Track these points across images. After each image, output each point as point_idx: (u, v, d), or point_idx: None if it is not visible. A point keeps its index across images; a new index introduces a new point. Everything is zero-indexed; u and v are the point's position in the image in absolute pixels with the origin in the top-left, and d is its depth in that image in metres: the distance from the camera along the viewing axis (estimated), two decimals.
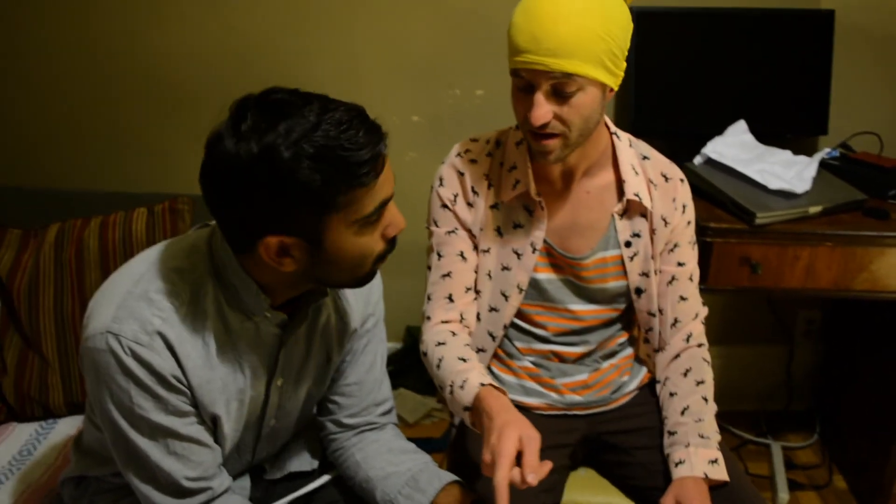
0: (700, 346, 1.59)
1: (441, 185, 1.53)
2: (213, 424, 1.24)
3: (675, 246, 1.54)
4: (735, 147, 2.12)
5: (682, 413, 1.51)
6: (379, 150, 1.06)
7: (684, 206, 1.53)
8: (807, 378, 2.76)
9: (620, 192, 1.49)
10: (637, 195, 1.48)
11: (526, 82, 1.31)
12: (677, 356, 1.59)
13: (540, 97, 1.30)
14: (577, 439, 1.62)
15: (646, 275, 1.54)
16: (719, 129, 2.17)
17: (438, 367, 1.44)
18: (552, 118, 1.32)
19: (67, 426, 1.83)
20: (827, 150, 2.23)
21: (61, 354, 1.84)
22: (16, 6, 2.22)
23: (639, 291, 1.56)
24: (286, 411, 1.37)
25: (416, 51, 2.31)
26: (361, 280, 1.19)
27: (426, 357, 1.51)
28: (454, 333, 1.51)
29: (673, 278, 1.55)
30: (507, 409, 1.26)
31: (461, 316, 1.54)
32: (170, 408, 1.16)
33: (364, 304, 1.39)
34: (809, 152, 2.19)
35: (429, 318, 1.54)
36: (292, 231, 1.07)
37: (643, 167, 1.51)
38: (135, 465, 1.20)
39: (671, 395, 1.56)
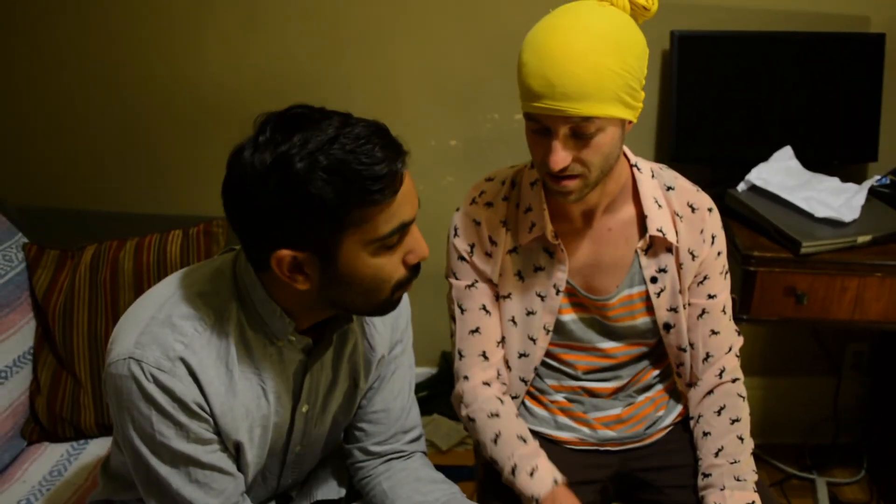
0: (735, 381, 1.52)
1: (456, 235, 1.49)
2: (235, 451, 1.23)
3: (706, 278, 1.48)
4: (780, 174, 2.07)
5: (717, 455, 1.46)
6: (397, 167, 1.03)
7: (713, 237, 1.47)
8: (854, 411, 2.67)
9: (643, 226, 1.43)
10: (660, 230, 1.42)
11: (542, 126, 1.26)
12: (710, 392, 1.52)
13: (558, 143, 1.25)
14: (609, 475, 1.58)
15: (674, 310, 1.48)
16: (765, 156, 2.11)
17: (495, 442, 1.44)
18: (571, 161, 1.27)
19: (98, 447, 1.83)
20: (877, 177, 2.17)
21: (94, 375, 1.84)
22: (54, 29, 2.25)
23: (668, 327, 1.50)
24: (312, 438, 1.35)
25: (454, 75, 2.30)
26: (381, 307, 1.16)
27: (473, 423, 1.48)
28: (502, 402, 1.49)
29: (703, 311, 1.49)
30: None
31: (498, 372, 1.51)
32: (191, 435, 1.15)
33: (392, 330, 1.37)
34: (858, 179, 2.13)
35: (466, 377, 1.50)
36: (305, 246, 1.05)
37: (667, 199, 1.45)
38: (156, 492, 1.18)
39: (705, 434, 1.50)
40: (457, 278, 1.49)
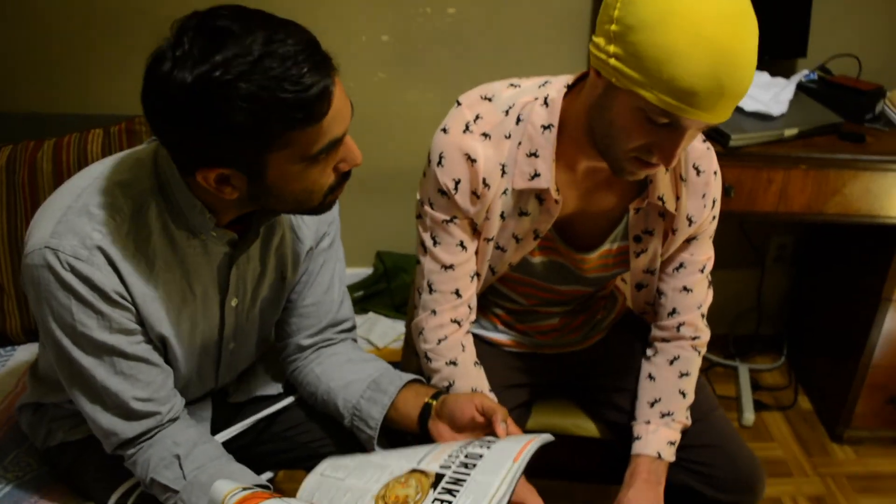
0: (695, 338, 1.47)
1: (441, 164, 1.30)
2: (162, 345, 1.21)
3: (694, 239, 1.41)
4: None
5: (652, 405, 1.45)
6: (326, 87, 0.98)
7: (714, 201, 1.38)
8: (777, 303, 2.78)
9: (642, 185, 1.34)
10: (661, 198, 1.32)
11: (671, 121, 1.09)
12: (667, 340, 1.49)
13: (685, 142, 1.12)
14: (546, 380, 1.60)
15: (650, 272, 1.44)
16: None
17: (447, 389, 1.40)
18: None
19: (25, 353, 1.79)
20: (805, 72, 2.19)
21: (16, 280, 1.80)
22: None
23: (639, 286, 1.47)
24: (244, 333, 1.34)
25: None
26: (313, 210, 1.14)
27: (429, 362, 1.42)
28: (464, 348, 1.42)
29: (681, 265, 1.43)
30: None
31: (469, 308, 1.43)
32: (114, 325, 1.13)
33: (318, 221, 1.34)
34: (787, 74, 2.16)
35: (434, 312, 1.41)
36: (230, 164, 1.02)
37: None
38: (80, 386, 1.17)
39: (650, 377, 1.48)
40: (433, 209, 1.34)
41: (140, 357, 1.17)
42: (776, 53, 2.28)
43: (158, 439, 1.21)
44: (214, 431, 1.38)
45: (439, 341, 1.41)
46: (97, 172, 1.14)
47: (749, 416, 2.47)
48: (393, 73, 2.33)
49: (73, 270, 1.08)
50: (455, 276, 1.38)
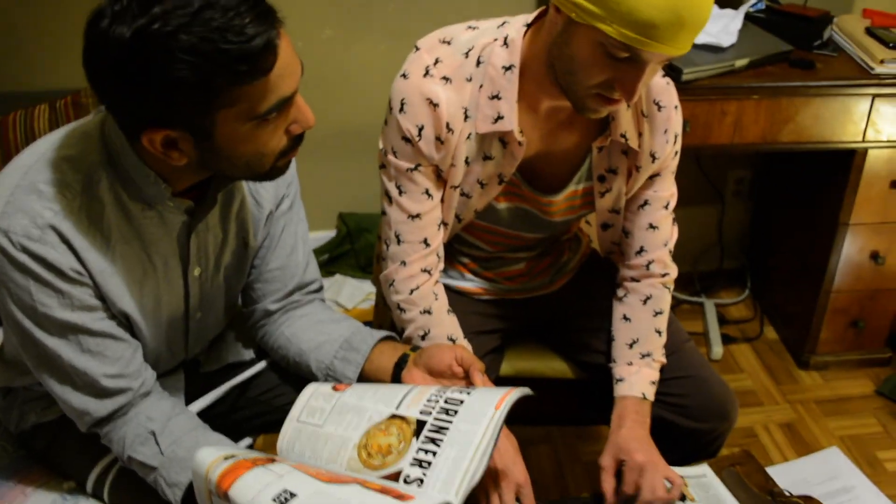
0: (664, 275, 1.47)
1: (402, 111, 1.27)
2: (126, 320, 1.19)
3: (657, 175, 1.40)
4: None
5: (630, 346, 1.46)
6: (269, 39, 0.95)
7: (676, 136, 1.37)
8: (738, 237, 2.82)
9: (604, 123, 1.33)
10: (624, 136, 1.32)
11: (631, 55, 1.09)
12: (637, 280, 1.48)
13: (646, 76, 1.12)
14: (514, 325, 1.61)
15: (616, 212, 1.43)
16: None
17: (423, 339, 1.39)
18: None
19: None
20: (752, 1, 2.19)
21: None
22: None
23: (605, 226, 1.47)
24: (210, 302, 1.32)
25: None
26: (265, 175, 1.11)
27: (402, 312, 1.41)
28: (436, 296, 1.41)
29: (646, 202, 1.42)
30: None
31: (437, 256, 1.42)
32: (75, 302, 1.10)
33: (276, 184, 1.31)
34: (735, 5, 2.16)
35: (404, 263, 1.39)
36: (176, 124, 0.99)
37: None
38: (48, 368, 1.15)
39: (625, 318, 1.48)
40: (396, 158, 1.32)
41: (106, 333, 1.15)
42: None
43: (132, 416, 1.20)
44: (189, 401, 1.37)
45: (411, 291, 1.40)
46: (43, 148, 1.11)
47: (717, 349, 2.51)
48: (340, 28, 2.30)
49: (27, 251, 1.05)
50: (422, 225, 1.37)
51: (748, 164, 2.68)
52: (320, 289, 1.46)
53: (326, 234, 2.55)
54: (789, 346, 2.56)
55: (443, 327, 1.40)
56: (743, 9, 2.08)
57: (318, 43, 2.28)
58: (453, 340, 1.40)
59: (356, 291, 2.40)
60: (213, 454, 1.01)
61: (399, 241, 1.38)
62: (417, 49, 1.30)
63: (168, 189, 1.11)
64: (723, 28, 1.99)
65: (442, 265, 1.44)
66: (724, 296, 2.78)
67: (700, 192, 2.68)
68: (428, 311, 1.40)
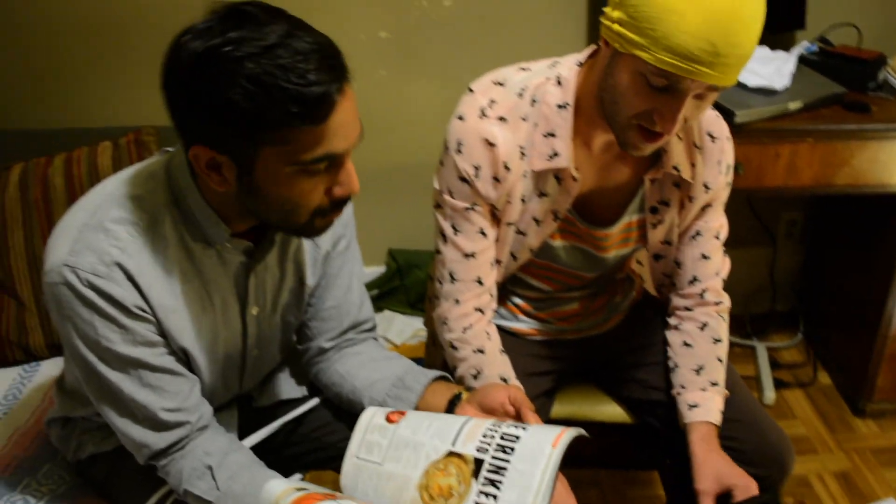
0: (717, 303, 1.48)
1: (460, 151, 1.30)
2: (184, 356, 1.22)
3: (708, 206, 1.42)
4: None
5: (698, 372, 1.45)
6: (330, 92, 0.97)
7: (728, 167, 1.40)
8: (790, 279, 2.78)
9: (657, 155, 1.33)
10: (676, 168, 1.33)
11: (669, 83, 1.11)
12: (690, 309, 1.49)
13: (684, 107, 1.13)
14: (569, 365, 1.60)
15: (667, 243, 1.45)
16: None
17: (475, 378, 1.39)
18: None
19: (50, 368, 1.81)
20: (805, 43, 2.19)
21: (37, 296, 1.81)
22: None
23: (657, 257, 1.48)
24: (267, 340, 1.35)
25: None
26: (299, 230, 1.13)
27: (455, 350, 1.42)
28: (489, 336, 1.43)
29: (697, 233, 1.44)
30: None
31: (491, 296, 1.44)
32: (137, 338, 1.13)
33: (334, 225, 1.34)
34: (787, 47, 2.16)
35: (457, 301, 1.41)
36: (223, 148, 1.01)
37: (687, 129, 1.34)
38: (109, 400, 1.18)
39: (686, 344, 1.48)
40: (453, 197, 1.34)
41: (165, 368, 1.18)
42: (775, 27, 2.25)
43: (190, 449, 1.22)
44: (241, 436, 1.38)
45: (464, 330, 1.41)
46: (111, 188, 1.15)
47: (770, 394, 2.46)
48: (394, 69, 2.34)
49: (93, 287, 1.08)
50: (477, 264, 1.39)
51: (801, 206, 2.65)
52: (374, 327, 1.48)
53: (376, 270, 2.57)
54: (844, 393, 2.50)
55: (495, 367, 1.40)
56: (796, 51, 2.07)
57: (372, 82, 2.33)
58: (505, 380, 1.40)
59: (405, 328, 2.41)
60: (283, 485, 1.03)
61: (453, 280, 1.40)
62: (472, 91, 1.32)
63: (227, 230, 1.14)
64: (776, 71, 1.99)
65: (495, 304, 1.45)
66: (777, 339, 2.74)
67: (752, 233, 2.65)
68: (481, 351, 1.41)
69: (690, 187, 1.37)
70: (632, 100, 1.16)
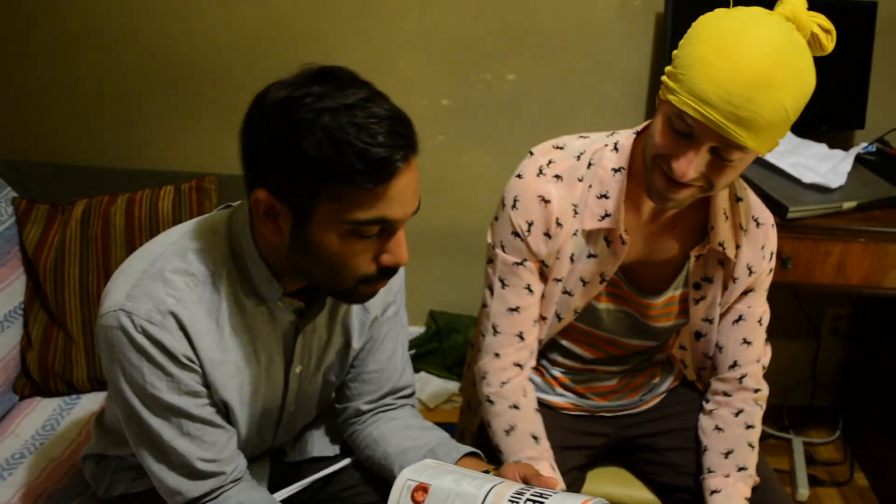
0: (756, 391, 1.48)
1: (515, 207, 1.35)
2: (224, 408, 1.24)
3: (752, 291, 1.44)
4: None
5: (726, 456, 1.44)
6: (395, 158, 1.00)
7: (772, 254, 1.43)
8: (832, 375, 2.73)
9: (703, 232, 1.38)
10: (721, 244, 1.36)
11: (688, 128, 1.15)
12: (728, 395, 1.49)
13: (697, 155, 1.16)
14: (602, 442, 1.60)
15: (709, 321, 1.46)
16: None
17: (507, 433, 1.41)
18: (698, 175, 1.19)
19: (90, 402, 1.84)
20: (863, 144, 2.19)
21: (86, 331, 1.85)
22: None
23: (698, 336, 1.49)
24: (306, 397, 1.36)
25: (447, 34, 2.28)
26: (343, 294, 1.14)
27: (491, 405, 1.44)
28: (525, 393, 1.45)
29: (740, 318, 1.45)
30: None
31: (531, 353, 1.46)
32: (182, 387, 1.15)
33: (385, 291, 1.36)
34: (845, 146, 2.16)
35: (497, 354, 1.44)
36: (282, 196, 1.04)
37: (734, 209, 1.38)
38: (147, 445, 1.20)
39: (718, 429, 1.48)
40: (504, 251, 1.39)
41: (206, 419, 1.20)
42: (834, 125, 2.28)
43: (222, 500, 1.23)
44: (271, 490, 1.39)
45: (502, 384, 1.43)
46: (173, 238, 1.18)
47: (803, 491, 2.41)
48: (451, 136, 2.38)
49: (146, 334, 1.11)
50: (520, 319, 1.42)
51: (848, 302, 2.62)
52: (413, 394, 1.48)
53: (416, 330, 2.58)
54: (881, 496, 2.43)
55: (528, 424, 1.42)
56: (854, 151, 2.07)
57: (429, 146, 2.36)
58: (536, 439, 1.41)
59: (440, 391, 2.41)
60: None
61: (495, 333, 1.43)
62: (532, 154, 1.39)
63: (280, 289, 1.17)
64: (832, 169, 1.99)
65: (534, 362, 1.47)
66: (814, 435, 2.68)
67: (796, 325, 2.61)
68: (515, 407, 1.43)
69: (734, 268, 1.39)
70: (656, 140, 1.20)
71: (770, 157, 2.01)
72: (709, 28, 1.14)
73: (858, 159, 2.10)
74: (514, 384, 1.44)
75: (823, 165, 2.00)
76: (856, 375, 2.66)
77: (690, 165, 1.16)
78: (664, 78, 1.18)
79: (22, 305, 1.88)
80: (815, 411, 2.72)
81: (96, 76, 2.30)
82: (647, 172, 1.25)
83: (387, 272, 1.12)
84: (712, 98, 1.10)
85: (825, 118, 2.26)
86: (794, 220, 1.91)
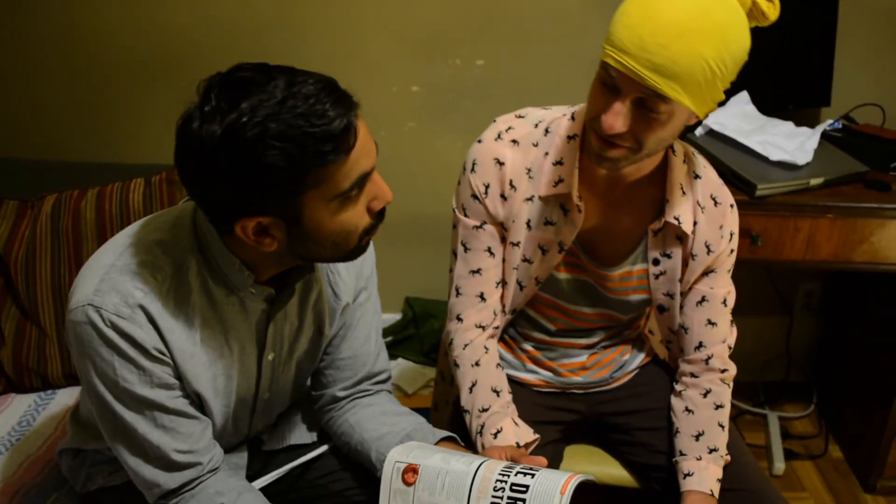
0: (723, 371, 1.50)
1: (473, 170, 1.40)
2: (198, 399, 1.24)
3: (712, 271, 1.46)
4: (737, 118, 2.10)
5: (697, 438, 1.46)
6: (349, 121, 1.01)
7: (731, 234, 1.45)
8: (806, 350, 2.76)
9: (661, 208, 1.40)
10: (677, 218, 1.39)
11: (612, 82, 1.18)
12: (696, 375, 1.51)
13: (622, 106, 1.19)
14: (575, 419, 1.62)
15: (670, 296, 1.47)
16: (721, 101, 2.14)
17: (470, 390, 1.45)
18: (626, 130, 1.21)
19: (66, 397, 1.83)
20: (829, 121, 2.22)
21: (59, 325, 1.84)
22: None
23: (661, 309, 1.50)
24: (279, 384, 1.37)
25: (416, 20, 2.28)
26: (350, 254, 1.16)
27: (457, 368, 1.48)
28: (487, 349, 1.48)
29: (703, 299, 1.47)
30: None
31: (494, 313, 1.49)
32: (154, 380, 1.15)
33: (356, 277, 1.38)
34: (812, 124, 2.18)
35: (460, 318, 1.48)
36: (267, 211, 1.05)
37: (692, 186, 1.41)
38: (122, 439, 1.20)
39: (687, 410, 1.50)
40: (466, 216, 1.44)
41: (180, 411, 1.20)
42: (800, 102, 2.31)
43: (200, 489, 1.24)
44: (250, 479, 1.39)
45: (465, 346, 1.47)
46: (138, 231, 1.18)
47: (779, 465, 2.44)
48: (423, 122, 2.39)
49: (115, 328, 1.11)
50: (481, 281, 1.46)
51: (819, 277, 2.65)
52: (388, 379, 1.49)
53: (392, 317, 2.59)
54: (855, 468, 2.47)
55: (489, 378, 1.45)
56: (820, 128, 2.09)
57: (401, 133, 2.37)
58: (497, 392, 1.44)
59: (418, 377, 2.42)
60: None
61: (458, 294, 1.48)
62: (495, 122, 1.43)
63: (251, 277, 1.17)
64: (799, 146, 2.01)
65: (497, 323, 1.50)
66: (789, 409, 2.72)
67: (769, 302, 2.65)
68: (477, 364, 1.46)
69: (692, 244, 1.42)
70: (592, 103, 1.24)
71: (737, 136, 2.03)
72: None
73: (825, 136, 2.13)
74: (476, 343, 1.48)
75: (790, 143, 2.02)
76: (829, 350, 2.70)
77: (617, 118, 1.19)
78: (602, 42, 1.21)
79: None
80: (789, 387, 2.76)
81: (65, 69, 2.28)
82: (587, 140, 1.29)
83: (381, 215, 1.14)
84: (629, 46, 1.14)
85: (791, 96, 2.29)
86: (762, 198, 1.93)
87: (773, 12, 1.21)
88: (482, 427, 1.40)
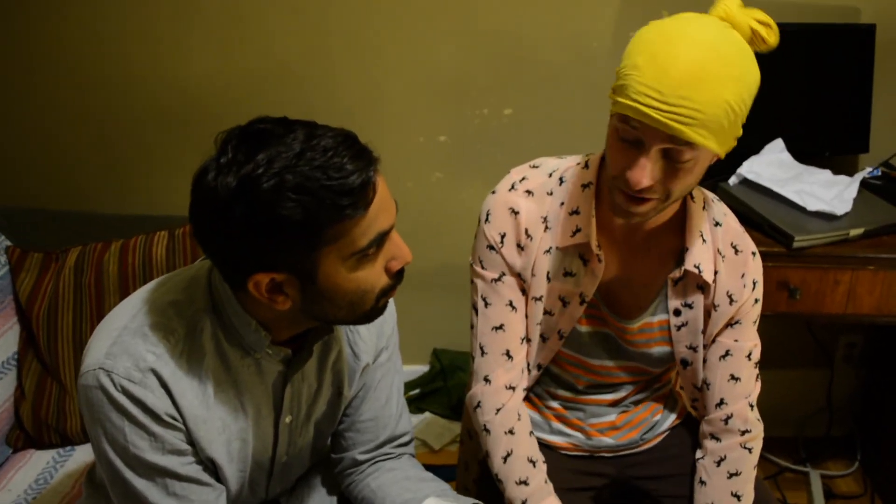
0: (744, 433, 1.43)
1: (488, 221, 1.38)
2: (212, 465, 1.20)
3: (737, 323, 1.40)
4: (772, 166, 2.05)
5: None
6: (368, 177, 0.99)
7: (754, 283, 1.39)
8: (847, 403, 2.67)
9: (681, 257, 1.36)
10: (697, 266, 1.34)
11: (634, 136, 1.15)
12: (716, 438, 1.45)
13: (647, 160, 1.15)
14: (605, 483, 1.56)
15: (693, 349, 1.42)
16: (756, 149, 2.10)
17: (505, 460, 1.40)
18: (654, 183, 1.17)
19: (84, 454, 1.81)
20: (868, 169, 2.16)
21: None
22: (35, 26, 2.21)
23: (685, 364, 1.45)
24: (297, 447, 1.33)
25: (442, 70, 2.27)
26: (366, 316, 1.12)
27: (487, 434, 1.42)
28: (520, 417, 1.43)
29: (727, 353, 1.41)
30: None
31: (521, 371, 1.44)
32: (166, 446, 1.12)
33: (377, 336, 1.34)
34: (850, 172, 2.12)
35: (487, 379, 1.42)
36: (281, 267, 1.02)
37: (713, 234, 1.37)
38: None
39: (701, 481, 1.45)
40: (483, 268, 1.39)
41: (192, 478, 1.16)
42: (837, 149, 2.25)
43: None
44: None
45: (496, 411, 1.41)
46: (152, 292, 1.16)
47: None
48: (450, 172, 2.37)
49: (126, 392, 1.08)
50: (505, 337, 1.40)
51: (860, 329, 2.57)
52: (410, 441, 1.45)
53: (419, 369, 2.55)
54: None
55: (524, 448, 1.41)
56: (859, 176, 2.03)
57: (427, 184, 2.35)
58: (533, 463, 1.40)
59: (445, 432, 2.37)
60: None
61: (483, 353, 1.42)
62: (509, 173, 1.42)
63: (268, 337, 1.14)
64: (837, 195, 1.95)
65: (525, 383, 1.45)
66: (832, 467, 2.61)
67: (809, 354, 2.57)
68: (511, 432, 1.41)
69: (714, 294, 1.37)
70: (613, 159, 1.21)
71: (773, 185, 1.98)
72: (643, 37, 1.15)
73: (864, 184, 2.07)
74: (509, 409, 1.42)
75: (828, 192, 1.97)
76: (872, 403, 2.61)
77: (644, 173, 1.16)
78: (610, 94, 1.18)
79: (16, 356, 1.86)
80: (832, 441, 2.66)
81: (91, 121, 2.30)
82: (610, 194, 1.25)
83: (399, 275, 1.11)
84: (649, 101, 1.11)
85: (828, 143, 2.23)
86: (800, 250, 1.87)
87: (772, 38, 1.19)
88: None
